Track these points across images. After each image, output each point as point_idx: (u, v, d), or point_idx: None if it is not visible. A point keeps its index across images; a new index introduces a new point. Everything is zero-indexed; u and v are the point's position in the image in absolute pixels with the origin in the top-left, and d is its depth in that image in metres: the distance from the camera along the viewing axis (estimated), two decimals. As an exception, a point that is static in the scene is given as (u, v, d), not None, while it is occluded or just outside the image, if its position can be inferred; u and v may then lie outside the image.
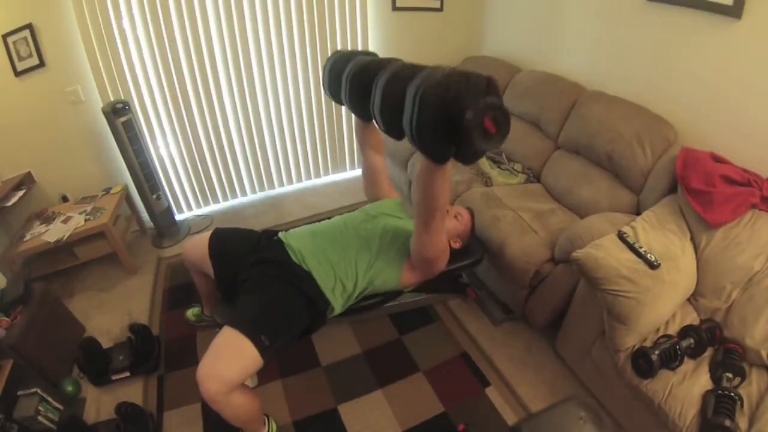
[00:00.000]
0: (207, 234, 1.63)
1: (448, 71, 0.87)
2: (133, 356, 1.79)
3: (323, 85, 1.49)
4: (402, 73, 1.02)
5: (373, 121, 1.17)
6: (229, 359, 1.17)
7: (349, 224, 1.59)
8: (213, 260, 1.57)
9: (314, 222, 1.70)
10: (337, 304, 1.45)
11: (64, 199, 2.53)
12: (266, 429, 1.46)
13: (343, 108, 3.13)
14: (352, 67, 1.26)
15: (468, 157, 0.92)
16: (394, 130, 1.06)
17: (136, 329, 1.84)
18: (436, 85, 0.86)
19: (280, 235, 1.56)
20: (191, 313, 2.04)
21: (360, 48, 2.94)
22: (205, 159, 2.84)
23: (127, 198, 2.64)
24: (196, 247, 1.62)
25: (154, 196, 2.57)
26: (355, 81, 1.24)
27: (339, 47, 2.87)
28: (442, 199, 1.15)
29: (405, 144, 2.90)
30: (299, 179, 3.30)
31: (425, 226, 1.25)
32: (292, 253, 1.46)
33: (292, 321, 1.35)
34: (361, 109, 1.30)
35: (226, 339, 1.21)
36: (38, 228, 2.23)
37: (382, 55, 2.72)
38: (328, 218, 1.70)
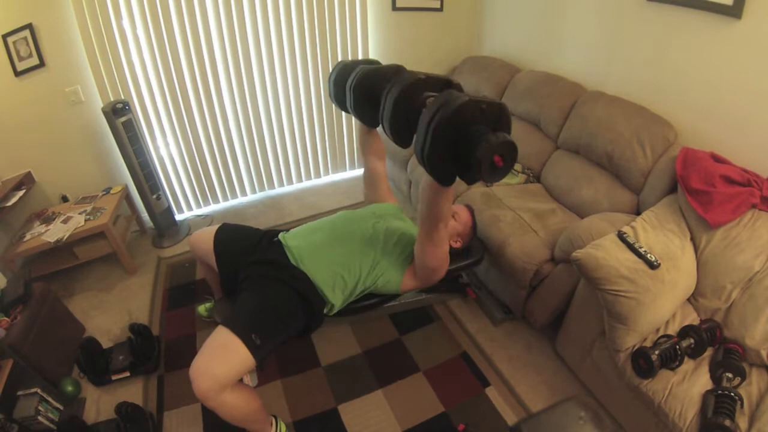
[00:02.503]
0: (214, 228, 1.63)
1: (463, 102, 0.88)
2: (133, 356, 1.79)
3: (330, 95, 1.53)
4: (416, 89, 1.06)
5: (379, 128, 1.19)
6: (221, 358, 1.18)
7: (355, 220, 1.60)
8: (217, 256, 1.58)
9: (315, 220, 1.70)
10: (337, 301, 1.45)
11: (64, 199, 2.53)
12: (273, 429, 1.46)
13: (343, 108, 3.13)
14: (355, 77, 1.29)
15: (472, 182, 0.99)
16: (404, 142, 1.12)
17: (137, 329, 1.84)
18: (450, 117, 0.88)
19: (280, 236, 1.57)
20: (203, 308, 2.06)
21: (360, 48, 2.94)
22: (205, 159, 2.84)
23: (127, 198, 2.64)
24: (203, 241, 1.63)
25: (154, 196, 2.57)
26: (359, 90, 1.27)
27: (339, 47, 2.87)
28: (446, 213, 1.21)
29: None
30: (299, 179, 3.30)
31: (429, 236, 1.29)
32: (290, 254, 1.47)
33: (286, 321, 1.35)
34: (365, 116, 1.34)
35: (219, 338, 1.22)
36: (38, 228, 2.23)
37: (382, 56, 2.82)
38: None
